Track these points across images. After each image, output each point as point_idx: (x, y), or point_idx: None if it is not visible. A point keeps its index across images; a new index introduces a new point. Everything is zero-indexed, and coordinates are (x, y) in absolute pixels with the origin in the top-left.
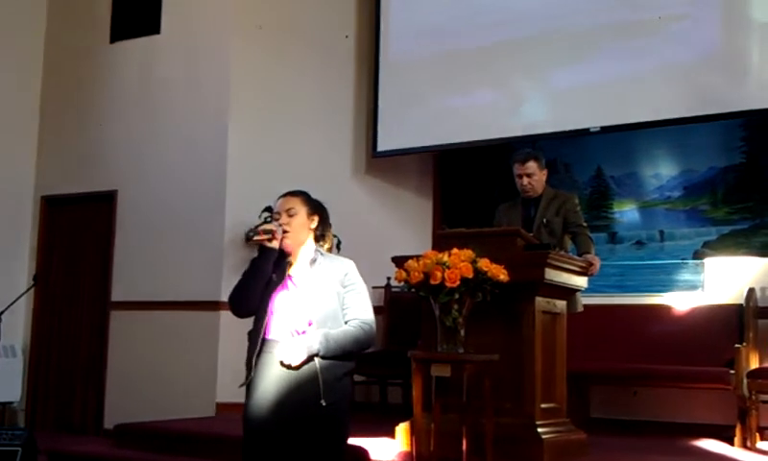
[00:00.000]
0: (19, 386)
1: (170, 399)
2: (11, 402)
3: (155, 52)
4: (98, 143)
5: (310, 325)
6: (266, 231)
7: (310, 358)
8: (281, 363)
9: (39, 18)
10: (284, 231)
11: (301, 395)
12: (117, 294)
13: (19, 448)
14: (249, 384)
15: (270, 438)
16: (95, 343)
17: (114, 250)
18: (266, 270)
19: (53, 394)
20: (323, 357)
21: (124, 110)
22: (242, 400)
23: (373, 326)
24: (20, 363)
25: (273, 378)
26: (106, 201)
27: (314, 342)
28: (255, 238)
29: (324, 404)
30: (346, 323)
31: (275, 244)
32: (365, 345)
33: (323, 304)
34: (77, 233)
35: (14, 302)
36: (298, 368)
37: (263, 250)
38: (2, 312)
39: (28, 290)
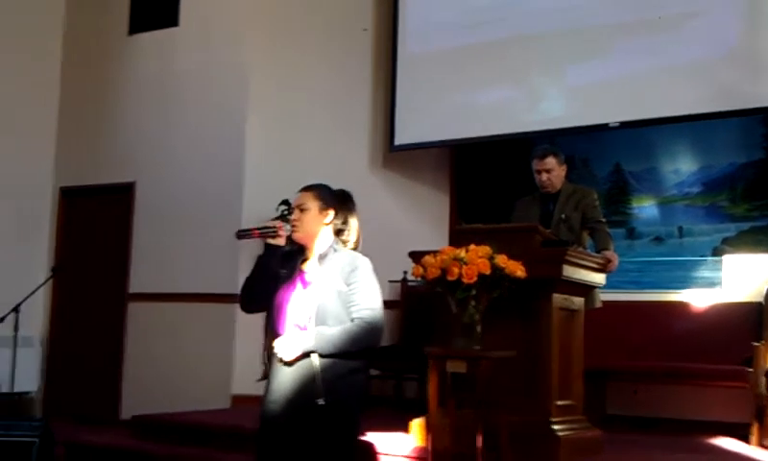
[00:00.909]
0: (36, 377)
1: (186, 390)
2: (28, 393)
3: (173, 44)
4: (116, 135)
5: (308, 323)
6: (264, 228)
7: (307, 355)
8: (279, 359)
9: (58, 11)
10: (293, 226)
11: (302, 392)
12: (134, 286)
13: (36, 439)
14: (267, 378)
15: (279, 432)
16: (112, 334)
17: (132, 241)
18: (270, 267)
19: (70, 384)
20: (321, 355)
21: (142, 103)
22: (257, 392)
23: (378, 324)
24: (38, 354)
25: (280, 375)
26: (123, 192)
27: (307, 339)
28: (246, 236)
29: (321, 403)
30: (351, 320)
31: (279, 241)
32: (365, 344)
33: (323, 302)
34: (95, 225)
35: (33, 293)
36: (292, 363)
37: (267, 247)
38: (20, 303)
39: (46, 281)
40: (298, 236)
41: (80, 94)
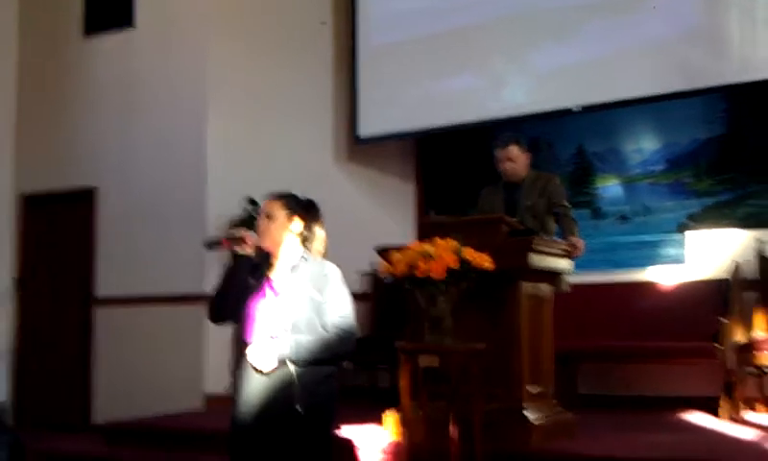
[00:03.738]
0: (5, 386)
1: (158, 393)
2: None
3: (130, 46)
4: (75, 140)
5: (280, 332)
6: (232, 238)
7: (284, 364)
8: (254, 368)
9: (11, 12)
10: (260, 235)
11: (278, 400)
12: (100, 290)
13: (6, 452)
14: (234, 388)
15: (254, 440)
16: (80, 340)
17: (96, 246)
18: (240, 277)
19: (40, 393)
20: (296, 364)
21: (100, 106)
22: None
23: (352, 332)
24: (4, 363)
25: (253, 383)
26: (85, 198)
27: (284, 347)
28: (215, 247)
29: (300, 410)
30: (324, 329)
31: (248, 250)
32: (340, 352)
33: (296, 311)
34: (57, 231)
35: None
36: (269, 374)
37: (236, 257)
38: None
39: (9, 294)
40: (265, 245)
41: (37, 98)
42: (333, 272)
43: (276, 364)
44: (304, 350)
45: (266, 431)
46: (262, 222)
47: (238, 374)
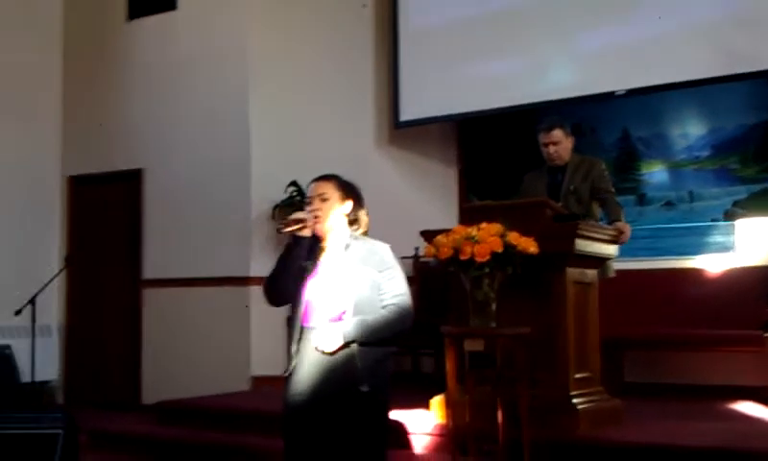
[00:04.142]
0: (56, 365)
1: (205, 373)
2: (48, 381)
3: (172, 28)
4: (121, 122)
5: (344, 312)
6: (297, 221)
7: (347, 344)
8: (317, 349)
9: (56, 1)
10: (316, 217)
11: (341, 381)
12: (148, 272)
13: (61, 431)
14: (289, 369)
15: (310, 423)
16: (129, 320)
17: (143, 228)
18: (299, 259)
19: (90, 372)
20: (360, 343)
21: (145, 88)
22: (277, 372)
23: (410, 309)
24: (56, 342)
25: (312, 366)
26: (132, 179)
27: (350, 328)
28: (286, 230)
29: (364, 390)
30: (383, 307)
31: (306, 232)
32: (400, 328)
33: (357, 291)
34: (105, 212)
35: (47, 284)
36: (333, 354)
37: (295, 239)
38: (36, 295)
39: (60, 272)
40: (321, 226)
41: (83, 82)
42: (385, 250)
43: (340, 345)
44: (369, 329)
45: (325, 412)
46: (316, 203)
47: (295, 354)
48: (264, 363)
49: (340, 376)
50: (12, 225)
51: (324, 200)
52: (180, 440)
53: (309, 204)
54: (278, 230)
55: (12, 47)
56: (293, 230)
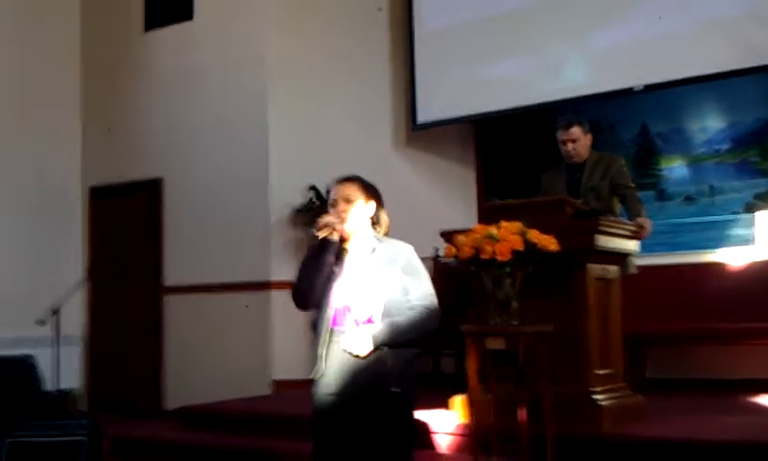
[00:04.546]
0: (79, 373)
1: (227, 379)
2: (72, 389)
3: (189, 38)
4: (140, 132)
5: (372, 315)
6: (327, 224)
7: (377, 348)
8: (348, 352)
9: (73, 10)
10: (342, 219)
11: (372, 382)
12: (169, 279)
13: (85, 438)
14: (317, 372)
15: (340, 425)
16: (151, 327)
17: (163, 235)
18: (328, 263)
19: (113, 379)
20: (390, 345)
21: (163, 98)
22: (298, 376)
23: (437, 308)
24: (79, 351)
25: (342, 367)
26: (151, 188)
27: (380, 332)
28: (321, 234)
29: (395, 391)
30: (410, 309)
31: (335, 236)
32: (428, 329)
33: (385, 293)
34: (125, 221)
35: (70, 295)
36: (365, 358)
37: (325, 242)
38: (59, 308)
39: (81, 285)
40: (347, 228)
41: (101, 94)
42: (410, 252)
43: (371, 348)
44: (399, 331)
45: (355, 412)
46: (341, 205)
47: (324, 356)
48: (285, 367)
49: (370, 376)
50: (35, 236)
51: (349, 201)
52: (203, 445)
53: (333, 206)
54: (314, 235)
55: (30, 60)
56: (326, 234)
